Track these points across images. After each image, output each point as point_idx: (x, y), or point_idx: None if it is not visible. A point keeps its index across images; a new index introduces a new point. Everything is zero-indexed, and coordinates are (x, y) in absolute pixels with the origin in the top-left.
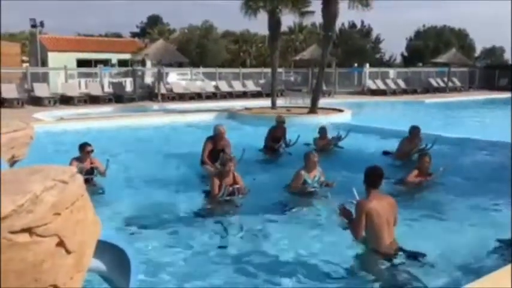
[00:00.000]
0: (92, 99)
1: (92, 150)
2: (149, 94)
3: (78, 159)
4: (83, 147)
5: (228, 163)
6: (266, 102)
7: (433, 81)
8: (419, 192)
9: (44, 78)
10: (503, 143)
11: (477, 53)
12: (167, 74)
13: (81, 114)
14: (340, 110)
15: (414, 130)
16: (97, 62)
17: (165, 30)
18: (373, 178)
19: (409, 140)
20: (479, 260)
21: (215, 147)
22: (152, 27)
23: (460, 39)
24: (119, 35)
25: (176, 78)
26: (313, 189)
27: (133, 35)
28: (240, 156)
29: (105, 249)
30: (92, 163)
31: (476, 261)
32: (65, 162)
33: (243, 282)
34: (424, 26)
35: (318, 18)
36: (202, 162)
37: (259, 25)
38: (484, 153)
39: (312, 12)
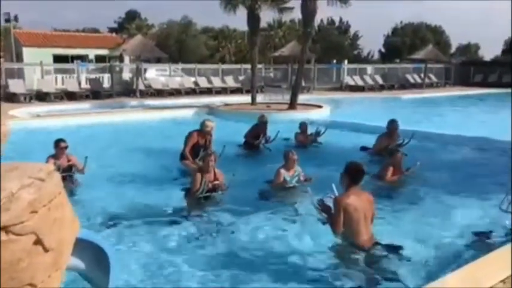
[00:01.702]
0: (69, 96)
1: (67, 147)
2: (127, 90)
3: (54, 157)
4: (57, 143)
5: (208, 158)
6: (246, 98)
7: (409, 77)
8: (396, 187)
9: (19, 74)
10: (480, 138)
11: (452, 49)
12: (145, 69)
13: (57, 110)
14: (319, 106)
15: (392, 124)
16: (74, 58)
17: (143, 26)
18: (354, 174)
19: (387, 135)
20: (455, 253)
21: (199, 142)
22: (130, 22)
23: (436, 35)
24: (96, 30)
25: (155, 74)
26: (292, 186)
27: (111, 30)
28: (220, 152)
29: (84, 247)
30: (69, 160)
31: (453, 254)
32: (41, 160)
33: (223, 278)
34: (401, 22)
35: (297, 15)
36: (183, 157)
37: (238, 21)
38: (460, 148)
39: (291, 9)
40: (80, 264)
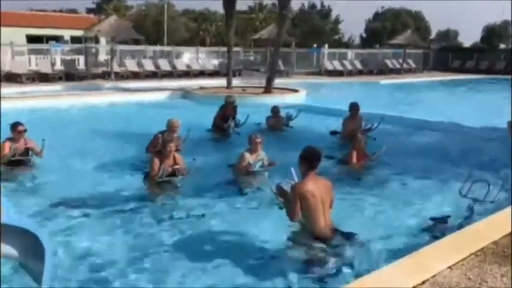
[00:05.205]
0: (41, 77)
1: (25, 130)
2: (102, 72)
3: (11, 140)
4: (15, 127)
5: (168, 144)
6: (223, 81)
7: (388, 63)
8: (360, 172)
9: None
10: (452, 124)
11: (432, 35)
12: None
13: (28, 92)
14: (295, 90)
15: (353, 106)
16: (49, 39)
17: (121, 7)
18: (310, 159)
19: (351, 118)
20: (412, 238)
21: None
22: (108, 3)
23: (416, 21)
24: (74, 11)
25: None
26: (255, 170)
27: (89, 11)
28: (184, 136)
29: (16, 233)
30: (26, 143)
31: (410, 239)
32: None
33: (182, 264)
34: (382, 7)
35: None
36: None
37: (219, 4)
38: (430, 132)
39: None
40: (12, 252)
